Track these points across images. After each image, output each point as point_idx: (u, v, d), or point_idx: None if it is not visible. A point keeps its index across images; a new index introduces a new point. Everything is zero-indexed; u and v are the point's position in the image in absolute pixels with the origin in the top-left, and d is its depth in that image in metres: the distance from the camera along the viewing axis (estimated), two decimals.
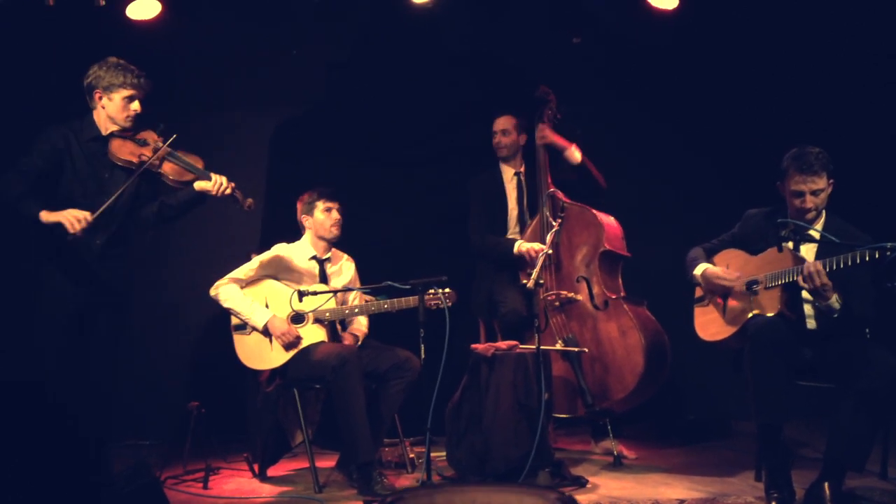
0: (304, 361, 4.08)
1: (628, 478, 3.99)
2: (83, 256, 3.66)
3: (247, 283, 4.20)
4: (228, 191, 3.77)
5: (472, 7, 5.10)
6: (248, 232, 5.19)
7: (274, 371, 4.16)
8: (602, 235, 4.40)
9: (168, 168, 3.76)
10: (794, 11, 4.91)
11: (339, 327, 4.30)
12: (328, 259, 4.37)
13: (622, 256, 4.50)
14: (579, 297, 4.39)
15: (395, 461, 4.31)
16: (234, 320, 4.19)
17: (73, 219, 3.47)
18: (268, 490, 4.03)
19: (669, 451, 4.56)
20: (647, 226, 5.05)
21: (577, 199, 4.54)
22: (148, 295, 4.90)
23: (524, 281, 3.98)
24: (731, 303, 3.72)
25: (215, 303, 4.16)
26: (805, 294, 3.53)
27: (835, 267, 3.32)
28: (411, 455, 4.30)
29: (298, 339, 4.11)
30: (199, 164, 3.81)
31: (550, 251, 4.19)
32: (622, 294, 4.41)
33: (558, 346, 4.28)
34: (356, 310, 4.25)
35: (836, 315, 3.44)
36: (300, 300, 4.01)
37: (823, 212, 3.59)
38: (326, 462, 4.25)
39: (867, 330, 3.57)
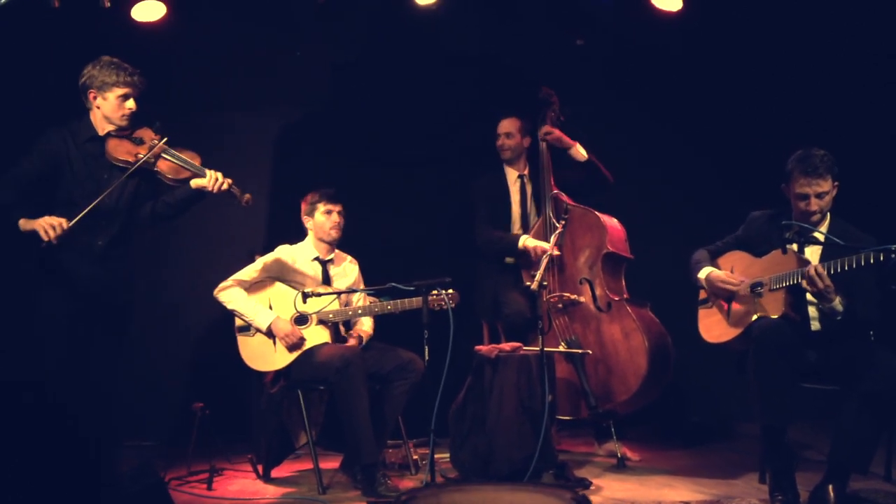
0: (307, 363, 4.08)
1: (632, 480, 3.99)
2: (84, 257, 3.65)
3: (250, 284, 4.20)
4: (225, 186, 3.73)
5: (475, 8, 5.10)
6: (248, 232, 5.20)
7: (278, 372, 4.17)
8: (605, 237, 4.40)
9: (165, 166, 3.72)
10: (797, 13, 4.91)
11: (342, 328, 4.30)
12: (331, 260, 4.37)
13: (625, 258, 4.50)
14: (582, 298, 4.39)
15: (398, 462, 4.32)
16: (238, 322, 4.19)
17: (48, 226, 3.43)
18: (272, 491, 4.03)
19: (673, 454, 4.57)
20: (650, 227, 5.06)
21: (581, 200, 4.55)
22: (149, 295, 4.89)
23: (528, 283, 3.98)
24: (735, 305, 3.72)
25: (218, 304, 4.16)
26: (809, 296, 3.53)
27: (838, 269, 3.32)
28: (415, 456, 4.30)
29: (302, 340, 4.11)
30: (197, 161, 3.76)
31: (556, 253, 4.19)
32: (625, 296, 4.41)
33: (562, 348, 4.29)
34: (360, 311, 4.25)
35: (839, 317, 3.44)
36: (304, 301, 4.02)
37: (828, 214, 3.59)
38: (330, 463, 4.25)
39: (871, 332, 3.57)
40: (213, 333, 4.89)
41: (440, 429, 3.65)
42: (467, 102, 5.33)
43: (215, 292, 4.16)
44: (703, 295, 3.89)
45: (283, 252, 4.29)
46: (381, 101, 5.32)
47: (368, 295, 4.31)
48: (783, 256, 3.53)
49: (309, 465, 4.15)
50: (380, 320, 4.39)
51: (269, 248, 4.36)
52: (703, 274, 3.82)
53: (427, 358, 3.61)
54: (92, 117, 3.73)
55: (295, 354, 4.11)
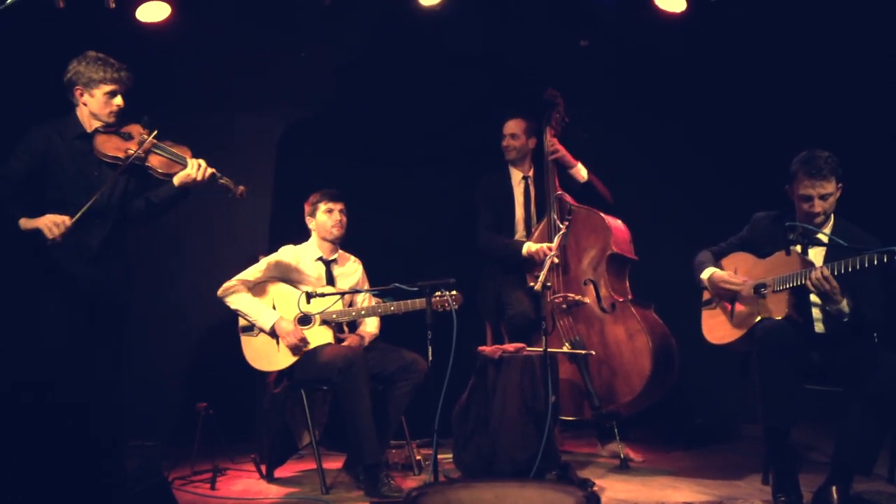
0: (310, 363, 4.08)
1: (635, 481, 3.99)
2: (80, 258, 3.62)
3: (254, 284, 4.21)
4: (208, 173, 3.65)
5: (478, 9, 5.09)
6: (251, 232, 5.21)
7: (281, 372, 4.17)
8: (609, 238, 4.40)
9: (155, 161, 3.67)
10: (799, 14, 4.90)
11: (346, 329, 4.30)
12: (334, 260, 4.38)
13: (629, 259, 4.50)
14: (586, 299, 4.39)
15: (401, 463, 4.32)
16: (242, 321, 4.19)
17: (51, 224, 3.41)
18: (275, 491, 4.03)
19: (676, 455, 4.57)
20: (653, 228, 5.05)
21: (585, 202, 4.55)
22: (153, 295, 4.91)
23: (531, 283, 3.98)
24: (739, 306, 3.72)
25: (222, 304, 4.17)
26: (813, 298, 3.53)
27: (843, 271, 3.32)
28: (418, 457, 4.30)
29: (305, 340, 4.11)
30: (188, 155, 3.70)
31: (558, 254, 4.19)
32: (629, 297, 4.42)
33: (565, 349, 4.29)
34: (363, 311, 4.26)
35: (846, 319, 3.44)
36: (308, 302, 4.02)
37: (832, 215, 3.59)
38: (333, 463, 4.25)
39: (875, 334, 3.57)
40: (216, 333, 4.89)
41: (443, 429, 3.65)
42: (469, 103, 5.33)
43: (219, 292, 4.16)
44: (706, 296, 3.88)
45: (287, 252, 4.30)
46: (383, 101, 5.32)
47: (372, 295, 4.31)
48: (787, 258, 3.53)
49: (312, 466, 4.16)
50: (383, 321, 4.39)
51: (272, 249, 4.36)
52: (706, 275, 3.81)
53: (430, 358, 3.62)
54: (79, 114, 3.68)
55: (298, 355, 4.12)
